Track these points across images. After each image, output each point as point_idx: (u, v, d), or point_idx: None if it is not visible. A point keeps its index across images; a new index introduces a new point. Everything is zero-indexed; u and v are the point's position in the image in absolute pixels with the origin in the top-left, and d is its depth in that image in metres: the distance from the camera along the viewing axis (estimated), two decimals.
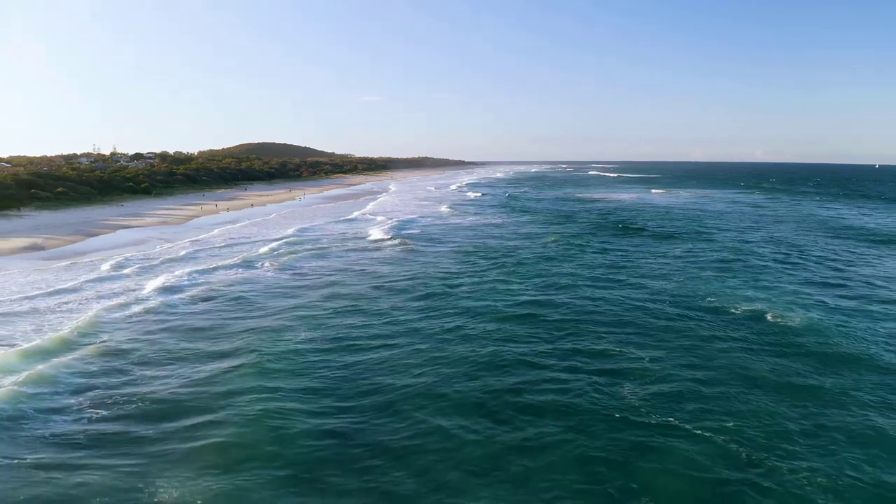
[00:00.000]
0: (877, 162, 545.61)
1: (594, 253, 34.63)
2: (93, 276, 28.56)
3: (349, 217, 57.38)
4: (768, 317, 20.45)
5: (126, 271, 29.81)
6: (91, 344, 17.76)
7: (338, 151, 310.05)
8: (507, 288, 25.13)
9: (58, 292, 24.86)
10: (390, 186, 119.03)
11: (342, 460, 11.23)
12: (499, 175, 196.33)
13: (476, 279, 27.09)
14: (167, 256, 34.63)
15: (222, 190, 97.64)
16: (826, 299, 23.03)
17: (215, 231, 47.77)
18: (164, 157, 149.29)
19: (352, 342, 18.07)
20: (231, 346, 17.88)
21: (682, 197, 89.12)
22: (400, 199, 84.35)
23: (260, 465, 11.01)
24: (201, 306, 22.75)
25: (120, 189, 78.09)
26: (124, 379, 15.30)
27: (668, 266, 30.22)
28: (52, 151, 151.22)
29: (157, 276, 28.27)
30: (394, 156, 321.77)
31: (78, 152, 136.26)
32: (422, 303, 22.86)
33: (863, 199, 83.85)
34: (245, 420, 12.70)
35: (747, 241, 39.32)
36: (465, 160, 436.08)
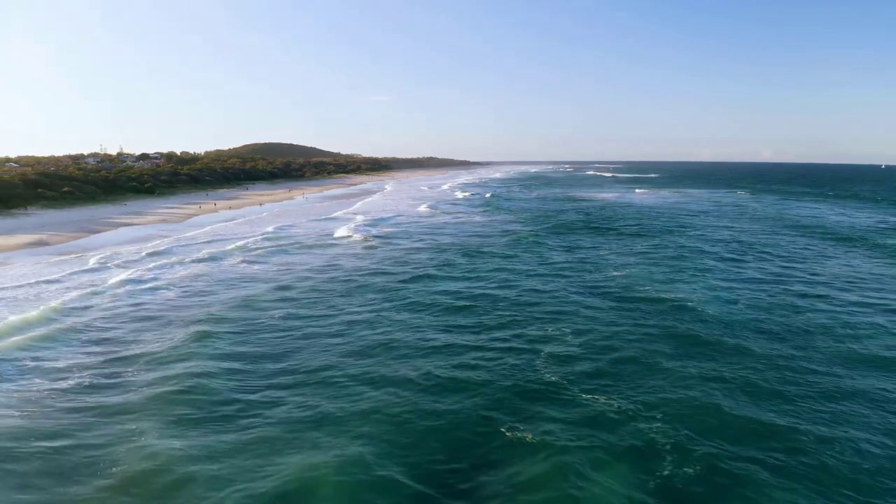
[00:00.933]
0: (883, 162, 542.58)
1: (552, 250, 36.58)
2: (77, 268, 31.18)
3: (332, 216, 59.75)
4: (689, 305, 22.37)
5: (109, 265, 32.33)
6: (52, 325, 20.27)
7: (344, 152, 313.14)
8: (452, 282, 27.14)
9: (45, 282, 27.52)
10: (386, 187, 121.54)
11: (251, 410, 13.66)
12: (497, 175, 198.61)
13: (421, 273, 29.25)
14: (151, 251, 37.15)
15: (225, 189, 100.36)
16: (755, 293, 24.63)
17: (207, 228, 50.48)
18: (169, 157, 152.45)
19: (283, 326, 20.26)
20: (175, 328, 20.18)
21: (665, 196, 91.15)
22: (390, 199, 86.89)
23: (187, 414, 13.42)
24: (158, 295, 25.18)
25: (124, 189, 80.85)
26: (76, 351, 17.89)
27: (623, 262, 32.22)
28: (60, 151, 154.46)
29: (130, 269, 30.74)
30: (399, 156, 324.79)
31: (85, 152, 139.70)
32: (359, 293, 25.02)
33: (849, 199, 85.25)
34: (173, 388, 14.88)
35: (708, 239, 41.24)
36: (470, 160, 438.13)
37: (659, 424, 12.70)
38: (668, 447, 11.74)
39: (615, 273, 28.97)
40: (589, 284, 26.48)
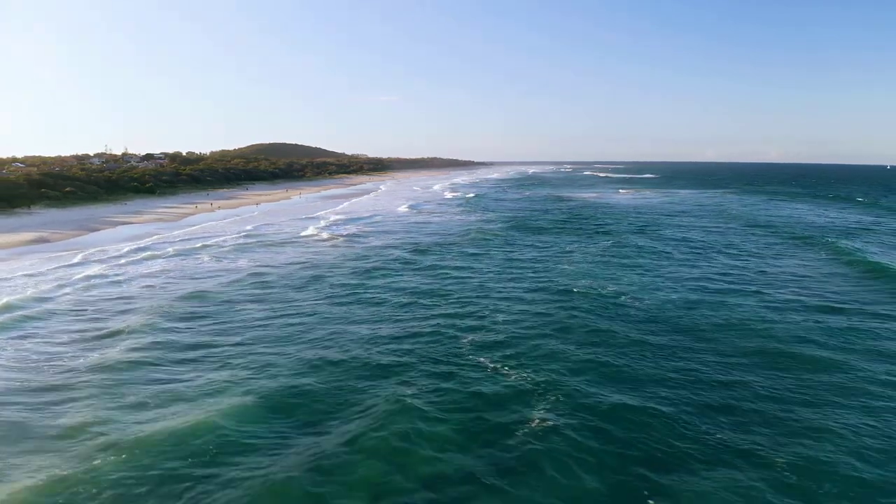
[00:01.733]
0: (889, 163, 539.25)
1: (508, 247, 38.52)
2: (63, 263, 33.58)
3: (314, 215, 61.89)
4: (624, 298, 23.97)
5: (92, 260, 34.62)
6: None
7: (350, 152, 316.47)
8: (401, 277, 29.16)
9: (25, 276, 30.00)
10: (381, 187, 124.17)
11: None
12: (494, 176, 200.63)
13: (368, 267, 31.53)
14: (134, 247, 39.57)
15: (225, 190, 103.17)
16: (688, 290, 25.94)
17: (196, 227, 53.25)
18: (174, 157, 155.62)
19: (217, 317, 22.22)
20: (119, 317, 22.35)
21: (647, 197, 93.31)
22: (380, 199, 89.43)
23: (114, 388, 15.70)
24: (117, 287, 27.33)
25: (126, 189, 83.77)
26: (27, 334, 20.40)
27: (572, 259, 34.06)
28: (67, 152, 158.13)
29: (104, 264, 33.16)
30: (403, 156, 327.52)
31: (91, 153, 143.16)
32: (301, 287, 27.08)
33: (836, 200, 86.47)
34: (116, 361, 17.37)
35: (668, 239, 42.85)
36: (475, 160, 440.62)
37: (527, 385, 15.10)
38: (537, 415, 13.84)
39: (559, 268, 30.99)
40: (528, 278, 28.53)
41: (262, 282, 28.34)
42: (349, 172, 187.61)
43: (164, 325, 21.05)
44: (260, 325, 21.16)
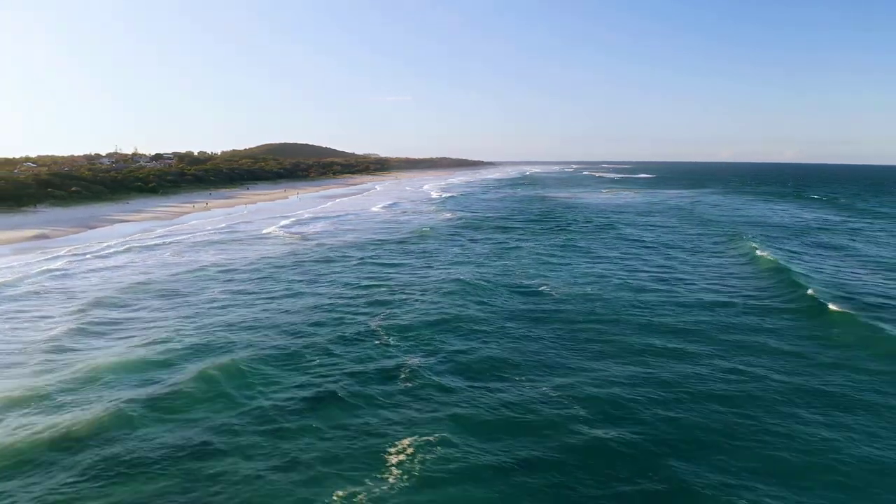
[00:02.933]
0: None
1: (456, 245, 40.71)
2: (42, 257, 36.74)
3: (288, 214, 64.38)
4: (550, 291, 26.14)
5: (74, 255, 37.63)
6: None
7: (360, 152, 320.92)
8: (325, 270, 31.58)
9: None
10: (377, 187, 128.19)
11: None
12: (494, 176, 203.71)
13: (308, 260, 34.22)
14: (116, 242, 43.38)
15: (227, 189, 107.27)
16: (608, 285, 27.76)
17: (184, 225, 57.25)
18: (183, 157, 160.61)
19: (151, 307, 24.48)
20: (74, 302, 25.00)
21: (625, 196, 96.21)
22: (369, 198, 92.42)
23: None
24: (73, 279, 29.90)
25: (130, 188, 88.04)
26: None
27: (512, 255, 36.28)
28: (80, 151, 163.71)
29: (77, 257, 36.56)
30: (412, 156, 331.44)
31: (102, 152, 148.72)
32: (236, 280, 29.38)
33: (814, 201, 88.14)
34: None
35: (619, 236, 45.23)
36: (484, 160, 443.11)
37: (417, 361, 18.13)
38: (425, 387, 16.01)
39: (494, 263, 33.52)
40: (457, 272, 30.65)
41: (201, 276, 30.79)
42: (353, 172, 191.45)
43: (94, 311, 23.68)
44: (170, 309, 24.01)
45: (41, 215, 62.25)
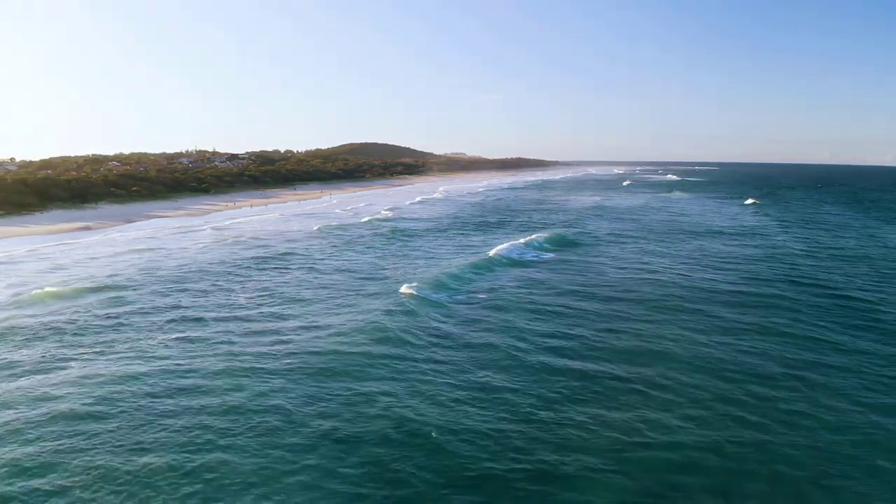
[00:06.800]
0: None
1: (405, 245, 45.41)
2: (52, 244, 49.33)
3: (277, 214, 74.17)
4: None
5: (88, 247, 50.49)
6: None
7: (449, 152, 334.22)
8: (241, 272, 35.31)
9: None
10: (405, 187, 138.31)
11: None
12: (537, 179, 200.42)
13: (228, 260, 38.81)
14: (125, 236, 55.22)
15: (276, 189, 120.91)
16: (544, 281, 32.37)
17: (203, 220, 69.04)
18: (258, 156, 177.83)
19: (104, 301, 29.37)
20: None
21: (612, 199, 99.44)
22: (385, 199, 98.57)
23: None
24: (58, 273, 35.78)
25: (187, 188, 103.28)
26: None
27: (455, 251, 42.19)
28: (172, 149, 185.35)
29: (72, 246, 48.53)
30: (487, 156, 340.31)
31: (183, 151, 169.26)
32: (185, 279, 33.09)
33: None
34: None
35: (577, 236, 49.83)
36: (559, 161, 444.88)
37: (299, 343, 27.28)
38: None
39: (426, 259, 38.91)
40: (392, 265, 36.52)
41: (149, 268, 36.48)
42: (413, 174, 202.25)
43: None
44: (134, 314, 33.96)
45: (98, 211, 76.69)
